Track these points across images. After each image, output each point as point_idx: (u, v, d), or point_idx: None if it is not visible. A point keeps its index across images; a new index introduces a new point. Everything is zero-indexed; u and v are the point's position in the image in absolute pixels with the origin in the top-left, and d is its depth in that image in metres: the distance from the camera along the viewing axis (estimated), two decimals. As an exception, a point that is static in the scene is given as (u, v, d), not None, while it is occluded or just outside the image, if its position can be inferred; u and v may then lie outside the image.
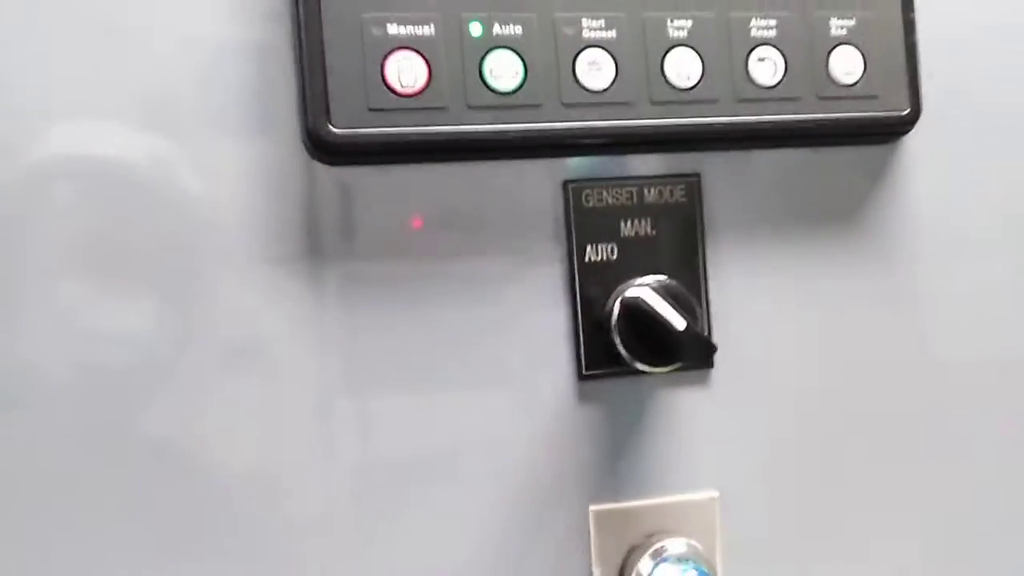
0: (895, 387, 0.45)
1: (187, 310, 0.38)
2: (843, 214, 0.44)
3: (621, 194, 0.42)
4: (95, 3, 0.37)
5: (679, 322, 0.38)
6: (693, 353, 0.38)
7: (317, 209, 0.39)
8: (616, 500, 0.42)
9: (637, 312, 0.39)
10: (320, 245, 0.39)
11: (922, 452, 0.45)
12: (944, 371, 0.46)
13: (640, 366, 0.40)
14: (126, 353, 0.37)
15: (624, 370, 0.41)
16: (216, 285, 0.38)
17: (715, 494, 0.43)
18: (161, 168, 0.37)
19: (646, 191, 0.42)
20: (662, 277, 0.41)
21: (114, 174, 0.37)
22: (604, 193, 0.42)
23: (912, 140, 0.45)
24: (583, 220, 0.41)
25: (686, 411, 0.42)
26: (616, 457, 0.42)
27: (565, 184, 0.41)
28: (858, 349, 0.45)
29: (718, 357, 0.42)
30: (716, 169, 0.43)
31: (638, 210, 0.42)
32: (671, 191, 0.42)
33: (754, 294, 0.43)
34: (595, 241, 0.41)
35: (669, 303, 0.38)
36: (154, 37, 0.37)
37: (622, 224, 0.42)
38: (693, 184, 0.43)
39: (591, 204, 0.41)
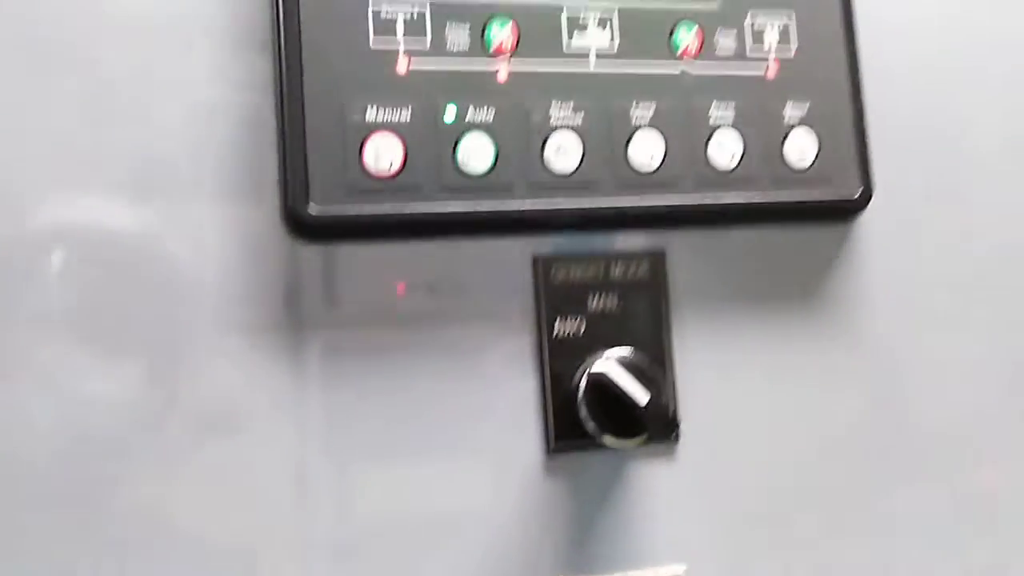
0: (860, 460, 0.46)
1: (171, 379, 0.38)
2: (804, 290, 0.46)
3: (588, 269, 0.43)
4: (86, 76, 0.38)
5: (643, 397, 0.38)
6: (657, 428, 0.39)
7: (299, 279, 0.39)
8: (585, 574, 0.42)
9: (602, 387, 0.40)
10: (301, 314, 0.39)
11: (890, 525, 0.46)
12: (908, 443, 0.46)
13: (607, 440, 0.40)
14: (109, 421, 0.37)
15: (592, 444, 0.41)
16: (199, 354, 0.38)
17: (682, 568, 0.43)
18: (148, 238, 0.38)
19: (613, 267, 0.43)
20: (628, 351, 0.42)
21: (103, 244, 0.38)
22: (572, 268, 0.43)
23: (868, 217, 0.46)
24: (552, 294, 0.42)
25: (654, 485, 0.43)
26: (585, 531, 0.42)
27: (535, 259, 0.42)
28: (822, 422, 0.45)
29: (684, 431, 0.43)
30: (681, 246, 0.44)
31: (605, 285, 0.43)
32: (637, 267, 0.44)
33: (719, 368, 0.44)
34: (563, 315, 0.42)
35: (634, 377, 0.39)
36: (143, 109, 0.38)
37: (590, 299, 0.43)
38: (658, 260, 0.44)
39: (560, 279, 0.42)
